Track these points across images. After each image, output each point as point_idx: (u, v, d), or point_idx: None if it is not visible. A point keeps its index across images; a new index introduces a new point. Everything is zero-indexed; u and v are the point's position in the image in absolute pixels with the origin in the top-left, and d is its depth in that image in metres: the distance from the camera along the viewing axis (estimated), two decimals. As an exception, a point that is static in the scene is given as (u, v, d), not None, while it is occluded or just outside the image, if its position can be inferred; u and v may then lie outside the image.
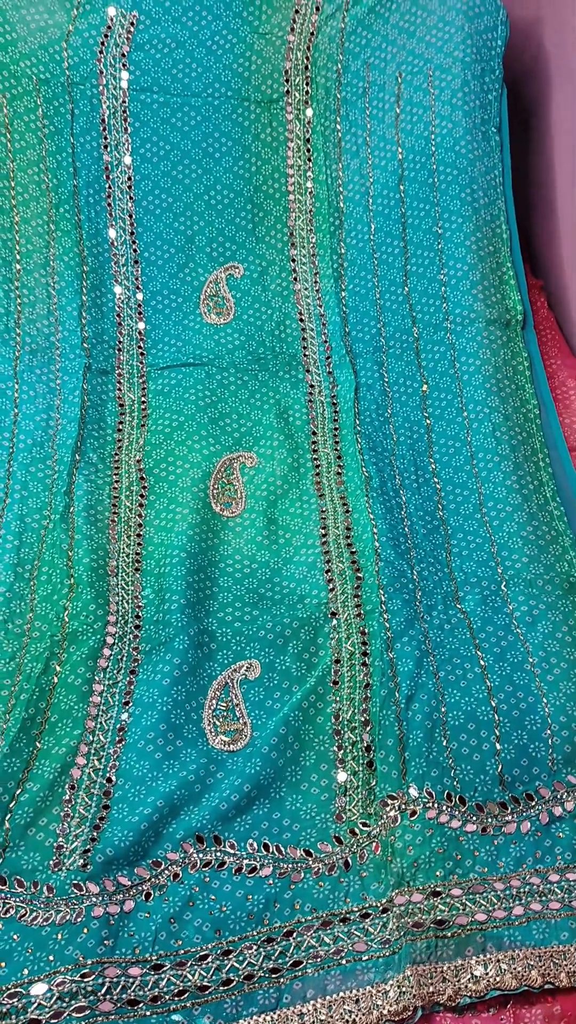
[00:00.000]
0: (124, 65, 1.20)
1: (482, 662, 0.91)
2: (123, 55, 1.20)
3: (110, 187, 1.20)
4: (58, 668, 0.90)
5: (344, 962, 0.74)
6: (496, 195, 1.20)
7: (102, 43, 1.19)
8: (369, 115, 1.22)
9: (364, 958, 0.74)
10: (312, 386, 1.18)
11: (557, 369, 1.27)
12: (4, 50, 1.16)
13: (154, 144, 1.21)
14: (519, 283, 1.19)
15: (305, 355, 1.20)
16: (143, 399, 1.15)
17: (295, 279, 1.24)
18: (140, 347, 1.19)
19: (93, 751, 0.84)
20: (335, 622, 0.95)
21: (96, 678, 0.89)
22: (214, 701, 0.89)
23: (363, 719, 0.87)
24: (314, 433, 1.14)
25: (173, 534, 1.02)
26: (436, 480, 1.10)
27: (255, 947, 0.74)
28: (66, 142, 1.19)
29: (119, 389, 1.16)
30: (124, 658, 0.91)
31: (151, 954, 0.73)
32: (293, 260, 1.24)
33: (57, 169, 1.18)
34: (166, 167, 1.22)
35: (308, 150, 1.25)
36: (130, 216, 1.21)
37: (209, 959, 0.73)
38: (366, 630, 0.94)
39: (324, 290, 1.23)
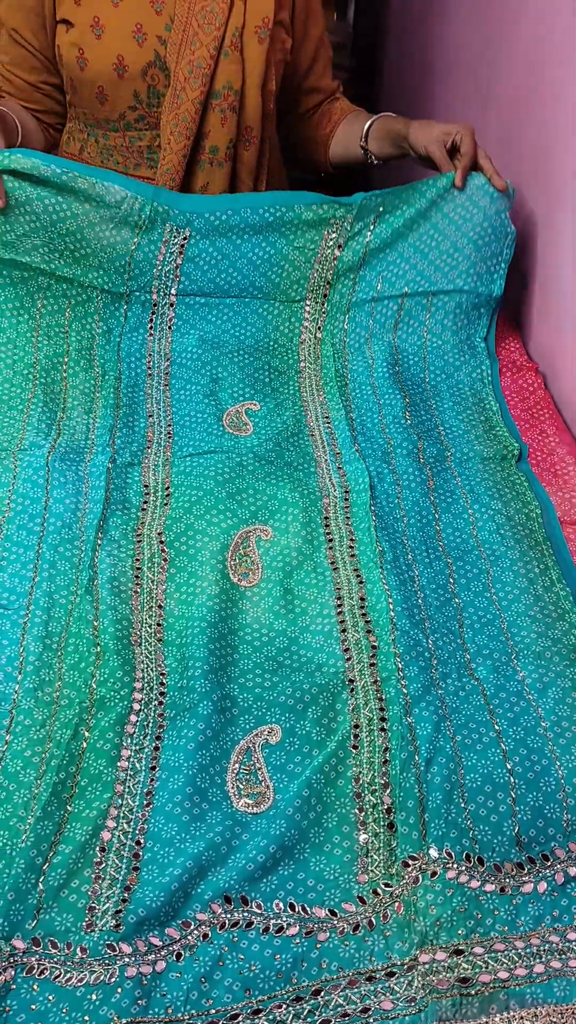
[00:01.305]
0: (176, 277, 1.41)
1: (496, 727, 0.94)
2: (176, 267, 1.41)
3: (149, 362, 1.42)
4: (87, 734, 0.93)
5: (372, 1020, 0.76)
6: (483, 387, 1.44)
7: (159, 258, 1.40)
8: (373, 319, 1.49)
9: (391, 1016, 0.76)
10: (324, 474, 1.26)
11: (556, 446, 1.34)
12: (78, 264, 1.38)
13: (190, 330, 1.45)
14: (512, 433, 1.36)
15: (317, 455, 1.31)
16: (167, 481, 1.22)
17: (307, 412, 1.39)
18: (167, 444, 1.30)
19: (122, 815, 0.87)
20: (352, 688, 0.99)
21: (124, 743, 0.92)
22: (237, 765, 0.92)
23: (383, 782, 0.90)
24: (327, 508, 1.20)
25: (194, 606, 1.07)
26: (448, 558, 1.15)
27: (284, 1006, 0.76)
28: (115, 338, 1.41)
29: (144, 475, 1.24)
30: (150, 724, 0.95)
31: (183, 1013, 0.75)
32: (304, 402, 1.40)
33: (104, 359, 1.40)
34: (197, 343, 1.44)
35: (318, 337, 1.48)
36: (165, 375, 1.41)
37: (240, 1018, 0.75)
38: (383, 696, 0.97)
39: (334, 419, 1.37)
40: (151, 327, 1.44)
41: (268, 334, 1.47)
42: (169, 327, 1.44)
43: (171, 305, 1.44)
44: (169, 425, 1.32)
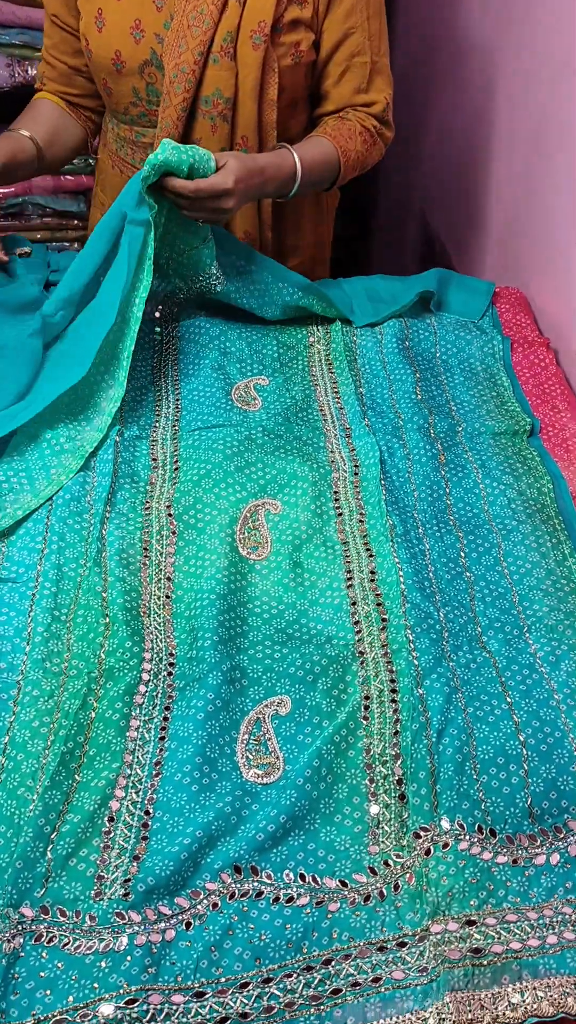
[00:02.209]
0: None
1: (508, 699, 0.93)
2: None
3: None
4: (95, 704, 0.92)
5: (383, 990, 0.75)
6: (494, 363, 1.43)
7: None
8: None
9: (403, 986, 0.75)
10: (333, 448, 1.25)
11: (568, 422, 1.33)
12: None
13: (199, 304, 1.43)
14: (523, 408, 1.34)
15: (326, 429, 1.29)
16: (175, 454, 1.21)
17: (316, 387, 1.37)
18: (176, 417, 1.28)
19: (131, 784, 0.86)
20: (363, 660, 0.98)
21: (133, 713, 0.92)
22: (247, 735, 0.91)
23: (394, 753, 0.89)
24: (336, 482, 1.19)
25: (203, 579, 1.06)
26: (458, 531, 1.14)
27: (295, 975, 0.75)
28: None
29: (153, 449, 1.22)
30: (159, 695, 0.94)
31: (193, 982, 0.74)
32: (314, 377, 1.38)
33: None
34: (206, 317, 1.42)
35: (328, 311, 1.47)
36: (175, 349, 1.39)
37: (250, 987, 0.74)
38: (394, 668, 0.96)
39: (344, 393, 1.35)
40: (153, 320, 1.40)
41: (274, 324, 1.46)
42: (175, 310, 1.42)
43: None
44: (177, 399, 1.31)
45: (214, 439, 1.22)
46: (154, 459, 1.21)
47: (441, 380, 1.39)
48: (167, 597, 1.05)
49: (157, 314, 1.38)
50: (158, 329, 1.38)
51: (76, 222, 2.24)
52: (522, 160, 1.66)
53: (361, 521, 1.14)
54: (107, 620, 0.99)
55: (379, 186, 2.91)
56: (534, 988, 0.75)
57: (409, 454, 1.24)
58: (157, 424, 1.27)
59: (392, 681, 0.95)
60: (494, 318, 1.51)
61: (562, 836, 0.85)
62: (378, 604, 1.04)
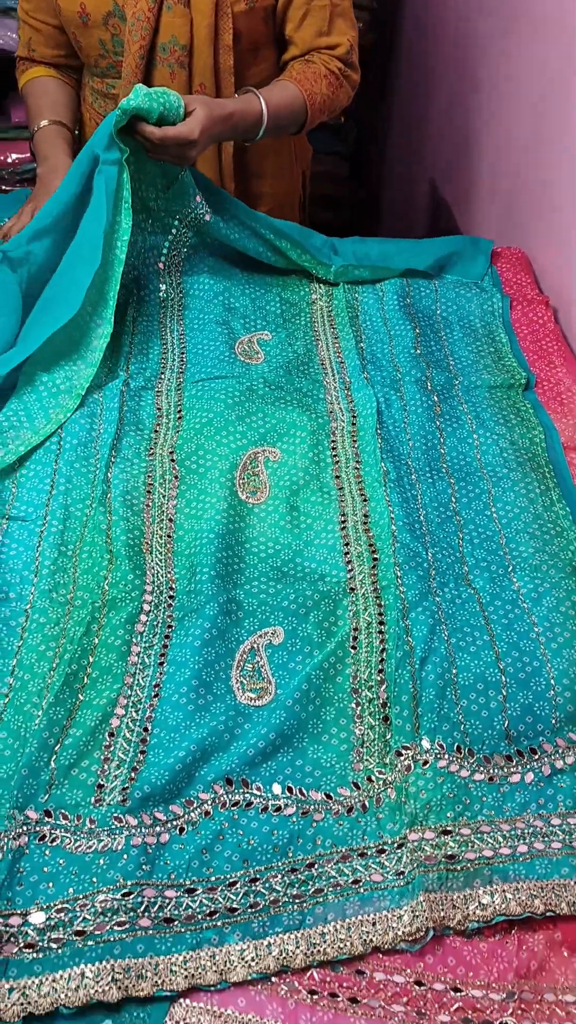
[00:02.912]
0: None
1: (491, 631, 0.98)
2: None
3: (162, 293, 1.43)
4: (99, 631, 0.97)
5: (362, 890, 0.80)
6: (493, 319, 1.47)
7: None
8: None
9: (380, 887, 0.80)
10: (332, 400, 1.29)
11: (563, 376, 1.36)
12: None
13: (204, 259, 1.47)
14: (520, 363, 1.38)
15: (326, 382, 1.33)
16: (179, 404, 1.25)
17: (318, 341, 1.41)
18: (181, 370, 1.32)
19: (131, 704, 0.92)
20: (353, 596, 1.03)
21: (134, 640, 0.97)
22: (241, 663, 0.96)
23: (379, 679, 0.94)
24: (334, 432, 1.23)
25: (203, 520, 1.10)
26: (450, 479, 1.18)
27: (280, 876, 0.81)
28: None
29: (157, 399, 1.27)
30: (159, 624, 0.99)
31: (185, 879, 0.80)
32: (316, 333, 1.42)
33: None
34: (209, 274, 1.45)
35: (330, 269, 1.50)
36: (179, 305, 1.43)
37: (238, 885, 0.80)
38: (382, 603, 1.01)
39: (344, 348, 1.39)
40: (158, 271, 1.43)
41: (277, 278, 1.50)
42: (179, 264, 1.45)
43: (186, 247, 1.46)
44: (182, 352, 1.35)
45: (217, 390, 1.27)
46: (158, 408, 1.26)
47: (441, 336, 1.43)
48: (168, 536, 1.09)
49: (160, 265, 1.41)
50: (163, 286, 1.42)
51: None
52: (527, 126, 1.68)
53: (357, 468, 1.19)
54: (111, 555, 1.04)
55: (389, 155, 2.93)
56: (503, 891, 0.80)
57: (406, 406, 1.28)
58: (162, 376, 1.31)
59: (380, 614, 1.00)
60: (494, 277, 1.55)
61: (537, 757, 0.90)
62: (370, 545, 1.08)
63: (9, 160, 2.20)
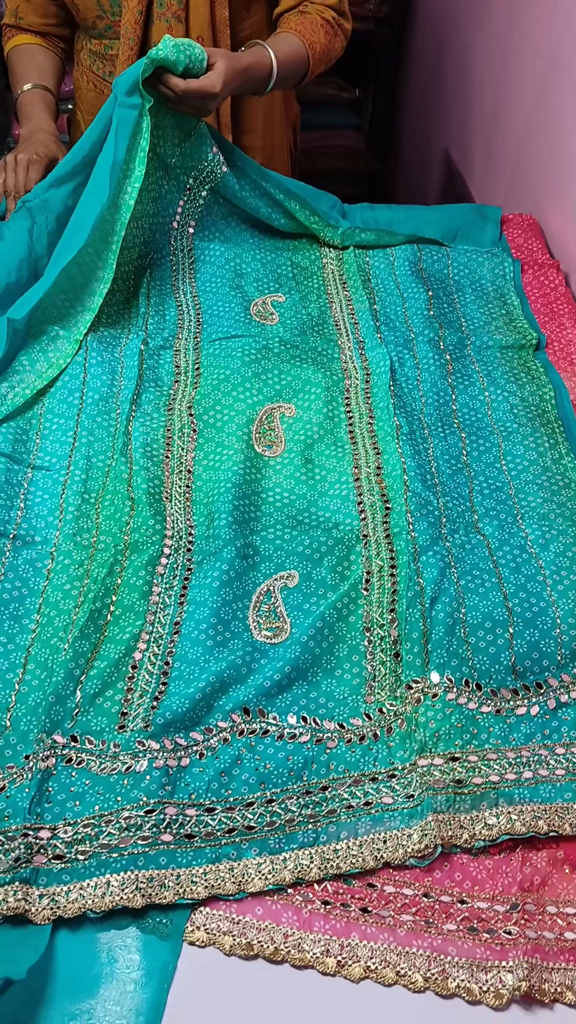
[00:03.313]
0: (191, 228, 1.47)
1: (499, 574, 1.01)
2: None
3: (172, 259, 1.45)
4: (121, 572, 1.01)
5: (373, 812, 0.84)
6: (505, 283, 1.49)
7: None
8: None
9: (391, 809, 0.84)
10: (347, 359, 1.32)
11: (573, 337, 1.39)
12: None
13: (210, 228, 1.49)
14: (531, 325, 1.41)
15: (340, 342, 1.36)
16: (197, 364, 1.29)
17: (331, 303, 1.44)
18: (197, 330, 1.36)
19: (153, 639, 0.95)
20: (366, 542, 1.06)
21: (155, 581, 1.01)
22: (258, 603, 1.00)
23: (391, 618, 0.98)
24: (348, 389, 1.27)
25: (220, 471, 1.14)
26: (462, 433, 1.22)
27: (295, 798, 0.85)
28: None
29: (175, 358, 1.31)
30: (179, 567, 1.03)
31: (204, 799, 0.84)
32: (329, 295, 1.45)
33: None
34: (219, 242, 1.49)
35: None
36: (190, 270, 1.46)
37: (255, 806, 0.84)
38: (394, 548, 1.05)
39: (358, 310, 1.42)
40: (171, 230, 1.46)
41: (288, 241, 1.53)
42: (190, 229, 1.47)
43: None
44: (198, 313, 1.39)
45: (233, 348, 1.30)
46: (177, 367, 1.29)
47: (453, 298, 1.45)
48: (187, 487, 1.13)
49: (175, 224, 1.44)
50: (174, 247, 1.44)
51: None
52: (536, 93, 1.70)
53: (370, 423, 1.22)
54: (132, 502, 1.08)
55: (404, 128, 2.94)
56: (508, 813, 0.84)
57: (419, 364, 1.31)
58: (180, 336, 1.35)
59: (392, 559, 1.04)
60: (503, 243, 1.57)
61: (542, 691, 0.93)
62: (382, 495, 1.12)
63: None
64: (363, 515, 1.10)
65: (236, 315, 1.38)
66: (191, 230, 1.46)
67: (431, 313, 1.40)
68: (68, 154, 1.33)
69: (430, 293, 1.44)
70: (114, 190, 1.26)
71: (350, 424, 1.23)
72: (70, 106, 1.77)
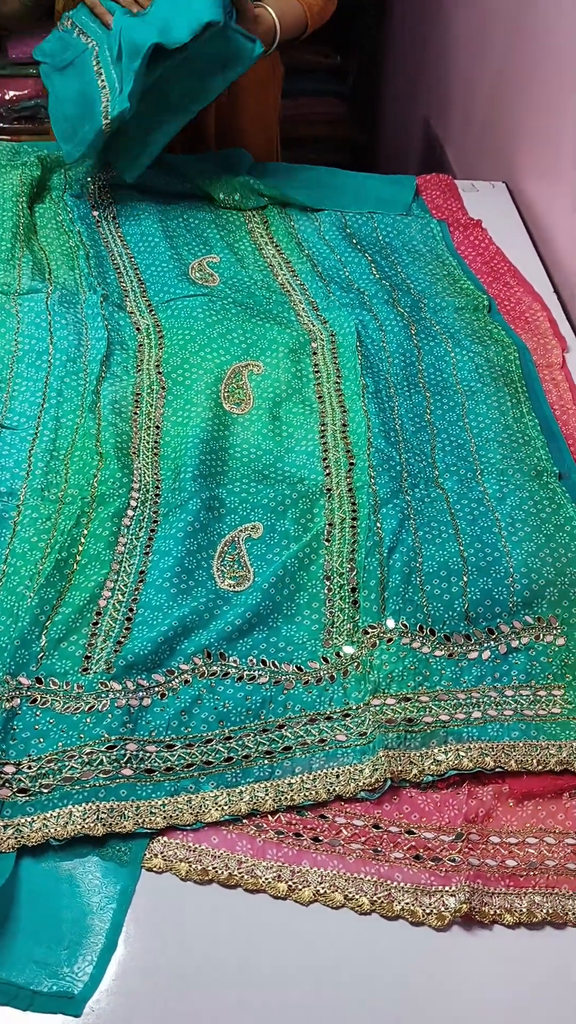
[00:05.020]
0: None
1: (456, 525, 1.04)
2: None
3: (99, 225, 1.50)
4: (87, 523, 1.04)
5: (327, 748, 0.87)
6: (436, 244, 1.53)
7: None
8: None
9: (344, 746, 0.87)
10: (307, 322, 1.35)
11: (522, 295, 1.41)
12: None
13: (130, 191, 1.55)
14: (477, 287, 1.43)
15: (295, 306, 1.39)
16: (157, 325, 1.31)
17: (272, 268, 1.47)
18: (143, 292, 1.38)
19: (118, 587, 0.98)
20: (329, 496, 1.09)
21: (121, 532, 1.03)
22: (222, 553, 1.03)
23: (350, 567, 1.01)
24: (315, 350, 1.29)
25: (188, 427, 1.17)
26: (427, 392, 1.24)
27: (252, 735, 0.88)
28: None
29: (132, 318, 1.33)
30: (146, 519, 1.05)
31: (164, 737, 0.87)
32: (266, 259, 1.48)
33: (67, 221, 1.49)
34: (143, 206, 1.54)
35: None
36: (118, 234, 1.50)
37: (213, 742, 0.87)
38: (356, 501, 1.08)
39: (300, 272, 1.45)
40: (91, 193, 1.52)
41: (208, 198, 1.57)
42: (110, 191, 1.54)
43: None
44: (138, 274, 1.42)
45: (191, 308, 1.32)
46: (137, 329, 1.31)
47: (392, 261, 1.48)
48: (155, 442, 1.16)
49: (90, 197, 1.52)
50: (95, 213, 1.48)
51: (87, 125, 2.29)
52: (504, 62, 1.71)
53: (338, 382, 1.24)
54: (100, 456, 1.10)
55: (386, 96, 2.94)
56: (457, 749, 0.87)
57: (381, 325, 1.33)
58: (127, 297, 1.37)
59: (354, 511, 1.06)
60: (421, 203, 1.59)
61: (494, 637, 0.96)
62: (347, 451, 1.14)
63: (7, 97, 2.23)
64: (327, 470, 1.12)
65: (177, 276, 1.40)
66: (110, 190, 1.52)
67: (377, 276, 1.43)
68: None
69: (369, 258, 1.46)
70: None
71: (317, 383, 1.25)
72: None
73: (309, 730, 0.89)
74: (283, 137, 1.89)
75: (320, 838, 0.82)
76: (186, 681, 0.91)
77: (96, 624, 0.95)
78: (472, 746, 0.88)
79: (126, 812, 0.82)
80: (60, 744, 0.85)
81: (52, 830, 0.80)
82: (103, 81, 1.37)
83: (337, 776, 0.85)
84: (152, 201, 1.54)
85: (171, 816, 0.82)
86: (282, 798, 0.84)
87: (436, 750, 0.88)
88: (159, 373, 1.24)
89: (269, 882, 0.79)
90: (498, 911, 0.78)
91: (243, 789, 0.84)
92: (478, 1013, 0.74)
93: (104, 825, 0.80)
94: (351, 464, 1.13)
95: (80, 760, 0.84)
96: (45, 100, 2.24)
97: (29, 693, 0.89)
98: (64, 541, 1.01)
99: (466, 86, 2.03)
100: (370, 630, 0.95)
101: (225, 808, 0.83)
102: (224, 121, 1.67)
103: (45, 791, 0.82)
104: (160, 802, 0.83)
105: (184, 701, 0.89)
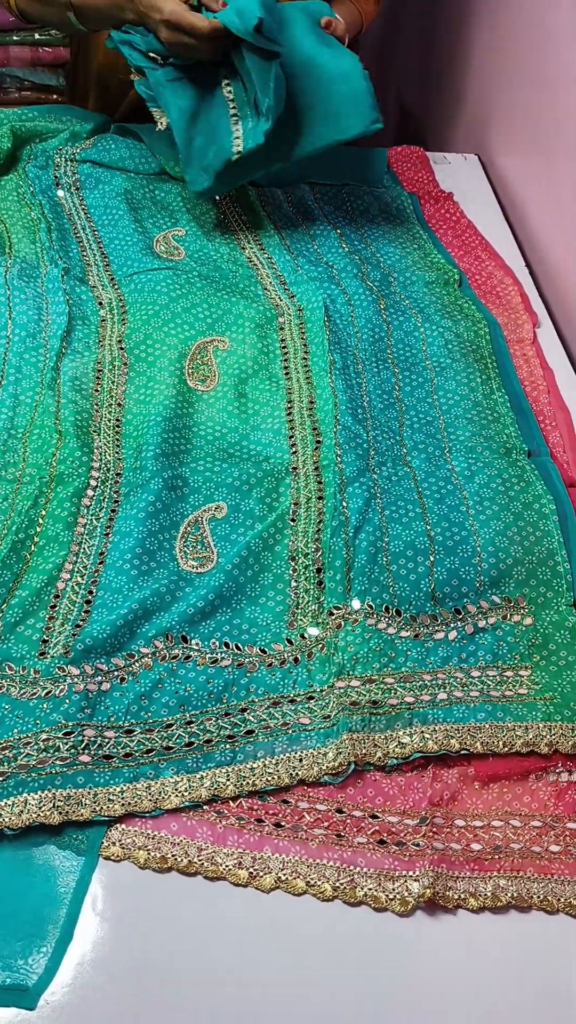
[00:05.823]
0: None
1: (423, 504, 1.03)
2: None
3: (61, 196, 1.46)
4: (46, 504, 1.01)
5: (290, 732, 0.86)
6: (407, 216, 1.50)
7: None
8: None
9: (308, 729, 0.86)
10: (273, 296, 1.32)
11: (493, 270, 1.39)
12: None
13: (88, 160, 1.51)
14: (447, 260, 1.41)
15: (261, 280, 1.35)
16: (120, 299, 1.27)
17: (238, 240, 1.42)
18: (106, 265, 1.34)
19: (77, 569, 0.96)
20: (295, 475, 1.07)
21: (80, 513, 1.01)
22: (185, 534, 1.01)
23: (315, 547, 0.99)
24: (282, 325, 1.26)
25: (151, 405, 1.14)
26: (395, 368, 1.22)
27: (214, 719, 0.86)
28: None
29: (95, 292, 1.29)
30: (106, 499, 1.03)
31: (124, 722, 0.85)
32: (233, 231, 1.43)
33: (31, 195, 1.44)
34: (102, 173, 1.50)
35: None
36: (82, 205, 1.45)
37: (174, 727, 0.85)
38: (322, 480, 1.05)
39: (267, 244, 1.41)
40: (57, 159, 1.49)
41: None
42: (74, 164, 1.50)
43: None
44: (101, 247, 1.38)
45: (155, 282, 1.29)
46: (100, 303, 1.28)
47: (362, 234, 1.45)
48: (117, 420, 1.13)
49: (58, 159, 1.48)
50: (59, 185, 1.44)
51: (55, 96, 2.24)
52: (493, 34, 1.68)
53: (305, 358, 1.22)
54: (59, 435, 1.07)
55: (370, 64, 2.89)
56: (422, 732, 0.86)
57: (350, 300, 1.31)
58: (90, 270, 1.33)
59: (320, 490, 1.04)
60: (392, 177, 1.57)
61: (460, 617, 0.95)
62: (314, 429, 1.12)
63: None
64: (294, 448, 1.10)
65: (142, 250, 1.36)
66: (74, 165, 1.48)
67: (346, 249, 1.40)
68: None
69: (338, 231, 1.44)
70: None
71: (284, 359, 1.22)
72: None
73: (272, 713, 0.87)
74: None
75: (282, 824, 0.80)
76: (146, 665, 0.89)
77: (54, 607, 0.92)
78: (438, 728, 0.86)
79: (83, 799, 0.79)
80: (15, 731, 0.83)
81: (6, 819, 0.77)
82: (234, 108, 1.27)
83: (300, 760, 0.84)
84: (117, 173, 1.50)
85: (129, 803, 0.80)
86: (244, 783, 0.82)
87: (401, 732, 0.86)
88: (121, 349, 1.21)
89: (229, 869, 0.77)
90: (462, 895, 0.77)
91: (204, 774, 0.82)
92: (443, 999, 0.73)
93: (61, 813, 0.78)
94: (318, 442, 1.10)
95: (36, 747, 0.81)
96: (10, 69, 2.18)
97: (-16, 679, 0.86)
98: (21, 522, 0.98)
99: (439, 58, 2.00)
100: (335, 611, 0.93)
101: (185, 794, 0.81)
102: None
103: (0, 779, 0.80)
104: (118, 789, 0.81)
105: (144, 685, 0.87)
